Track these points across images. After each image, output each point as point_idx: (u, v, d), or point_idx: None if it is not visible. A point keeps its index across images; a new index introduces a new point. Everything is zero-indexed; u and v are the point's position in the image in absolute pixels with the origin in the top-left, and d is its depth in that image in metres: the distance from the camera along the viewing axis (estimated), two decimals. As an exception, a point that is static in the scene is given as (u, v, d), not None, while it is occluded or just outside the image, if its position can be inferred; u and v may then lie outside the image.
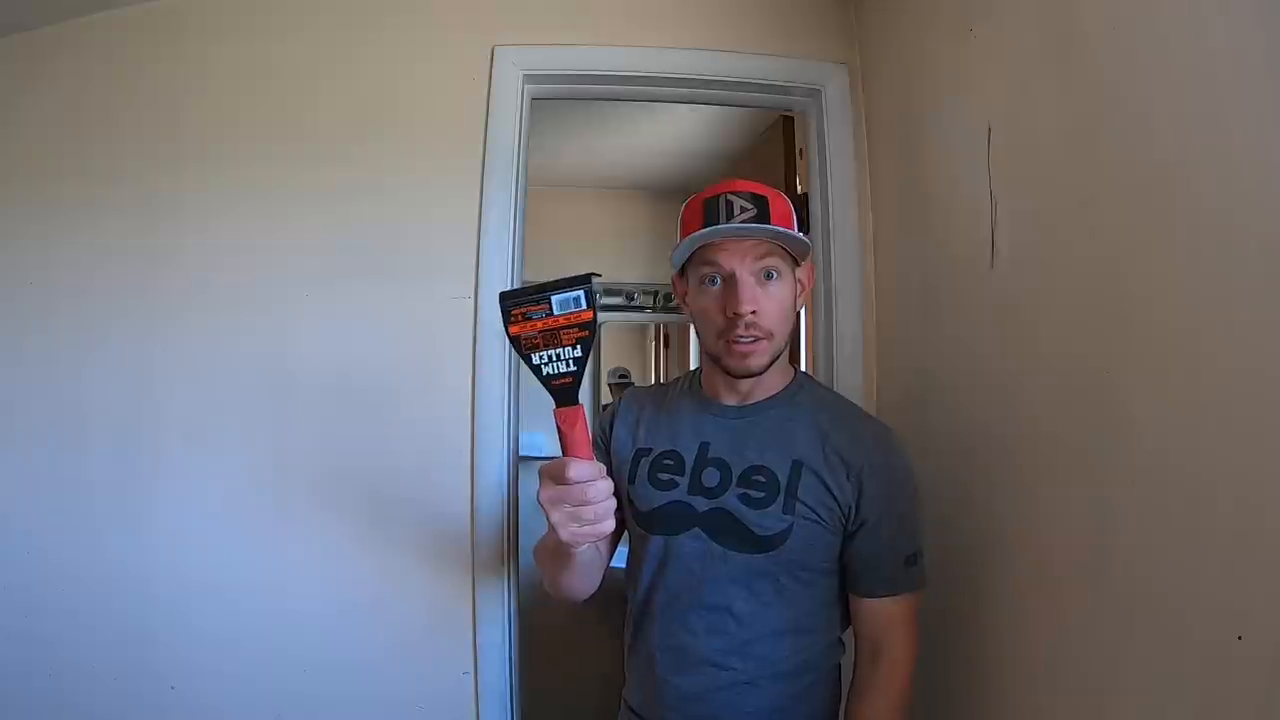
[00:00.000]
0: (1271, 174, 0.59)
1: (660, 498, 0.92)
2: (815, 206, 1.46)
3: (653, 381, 3.26)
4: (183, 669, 1.29)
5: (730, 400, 0.95)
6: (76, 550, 1.30)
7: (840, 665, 0.95)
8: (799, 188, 1.59)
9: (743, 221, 0.86)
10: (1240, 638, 0.61)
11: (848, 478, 0.87)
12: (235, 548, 1.31)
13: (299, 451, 1.32)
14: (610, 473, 0.74)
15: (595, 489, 0.68)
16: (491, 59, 1.39)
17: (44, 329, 1.34)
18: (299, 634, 1.31)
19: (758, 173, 1.87)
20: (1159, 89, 0.72)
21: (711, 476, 0.90)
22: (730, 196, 0.87)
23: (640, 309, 3.18)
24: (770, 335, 0.88)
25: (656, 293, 3.12)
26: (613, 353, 3.40)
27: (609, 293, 3.46)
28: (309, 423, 1.33)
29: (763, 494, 0.87)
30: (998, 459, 0.99)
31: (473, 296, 1.35)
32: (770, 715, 0.88)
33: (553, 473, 0.69)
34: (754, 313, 0.86)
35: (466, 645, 1.31)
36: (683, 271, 0.94)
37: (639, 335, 3.33)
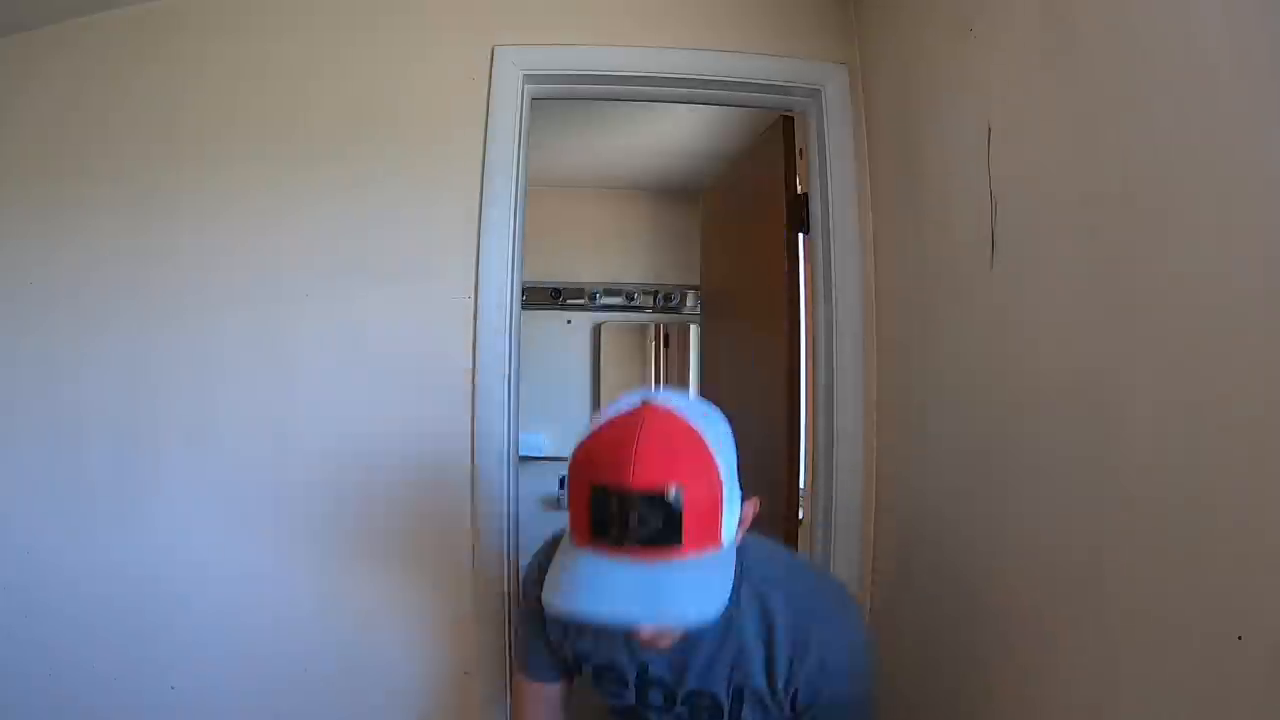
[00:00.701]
0: (1271, 174, 0.59)
1: (611, 699, 0.93)
2: (815, 206, 1.46)
3: (652, 385, 3.25)
4: (183, 669, 1.29)
5: None
6: (76, 550, 1.30)
7: None
8: (799, 188, 1.59)
9: (642, 542, 0.65)
10: (1240, 638, 0.61)
11: (793, 684, 0.80)
12: (234, 547, 1.31)
13: (297, 451, 1.32)
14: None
15: None
16: (491, 59, 1.39)
17: (41, 329, 1.33)
18: (299, 634, 1.31)
19: (758, 172, 1.85)
20: (1159, 89, 0.72)
21: (656, 696, 0.89)
22: (626, 499, 0.64)
23: (640, 309, 3.17)
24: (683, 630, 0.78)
25: (656, 293, 3.11)
26: (613, 353, 3.39)
27: (609, 293, 3.46)
28: (307, 423, 1.33)
29: (706, 715, 0.86)
30: (997, 457, 0.99)
31: (473, 296, 1.34)
32: None
33: None
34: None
35: (466, 645, 1.31)
36: None
37: (639, 335, 3.32)
